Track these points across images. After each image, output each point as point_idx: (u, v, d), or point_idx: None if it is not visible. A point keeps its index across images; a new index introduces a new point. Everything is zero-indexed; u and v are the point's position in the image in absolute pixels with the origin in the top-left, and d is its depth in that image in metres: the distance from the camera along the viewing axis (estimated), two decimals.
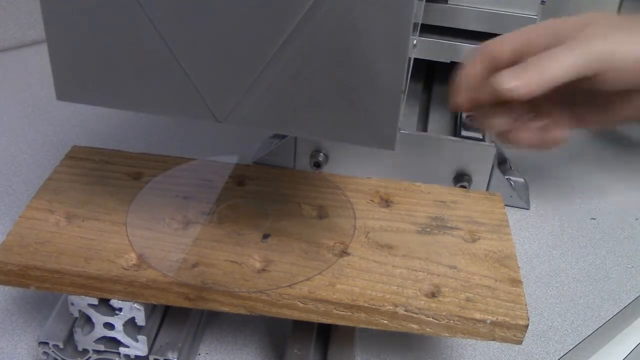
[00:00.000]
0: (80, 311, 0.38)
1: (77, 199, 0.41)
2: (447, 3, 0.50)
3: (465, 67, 0.42)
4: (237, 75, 0.30)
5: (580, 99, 0.44)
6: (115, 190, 0.43)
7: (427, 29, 0.52)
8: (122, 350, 0.39)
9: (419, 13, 0.32)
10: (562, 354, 0.46)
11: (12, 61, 0.78)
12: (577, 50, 0.39)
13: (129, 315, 0.38)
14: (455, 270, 0.39)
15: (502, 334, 0.37)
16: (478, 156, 0.55)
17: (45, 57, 0.32)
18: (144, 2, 0.29)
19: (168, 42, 0.30)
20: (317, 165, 0.58)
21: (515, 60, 0.40)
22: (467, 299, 0.37)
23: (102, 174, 0.44)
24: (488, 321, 0.36)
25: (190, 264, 0.38)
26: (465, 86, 0.42)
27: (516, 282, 0.39)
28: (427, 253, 0.40)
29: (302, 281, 0.37)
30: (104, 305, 0.38)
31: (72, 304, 0.38)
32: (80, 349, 0.39)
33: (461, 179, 0.56)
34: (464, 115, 0.56)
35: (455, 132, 0.56)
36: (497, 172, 0.57)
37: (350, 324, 0.37)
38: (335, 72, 0.29)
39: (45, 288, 0.37)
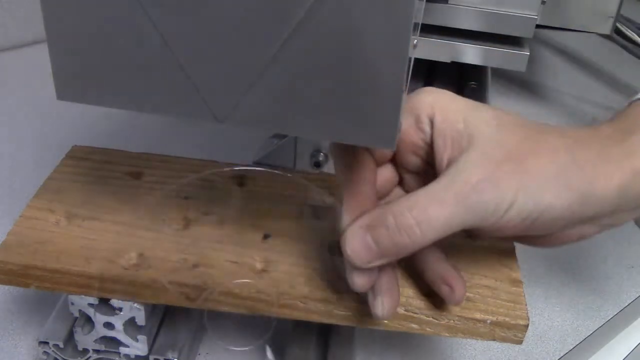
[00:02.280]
0: (80, 311, 0.38)
1: (77, 199, 0.41)
2: (447, 3, 0.50)
3: None
4: (238, 75, 0.30)
5: None
6: (115, 190, 0.43)
7: (427, 29, 0.52)
8: (122, 350, 0.39)
9: (419, 13, 0.32)
10: (562, 354, 0.46)
11: (12, 61, 0.78)
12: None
13: (129, 315, 0.38)
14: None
15: (503, 334, 0.37)
16: None
17: (45, 57, 0.31)
18: (144, 2, 0.29)
19: (168, 42, 0.30)
20: (317, 165, 0.58)
21: None
22: (467, 299, 0.37)
23: (103, 174, 0.44)
24: (488, 321, 0.36)
25: (190, 264, 0.38)
26: None
27: (516, 282, 0.39)
28: None
29: (302, 281, 0.37)
30: (104, 304, 0.38)
31: (72, 303, 0.38)
32: (80, 348, 0.39)
33: None
34: None
35: None
36: None
37: (350, 324, 0.37)
38: (335, 72, 0.29)
39: (45, 287, 0.37)
